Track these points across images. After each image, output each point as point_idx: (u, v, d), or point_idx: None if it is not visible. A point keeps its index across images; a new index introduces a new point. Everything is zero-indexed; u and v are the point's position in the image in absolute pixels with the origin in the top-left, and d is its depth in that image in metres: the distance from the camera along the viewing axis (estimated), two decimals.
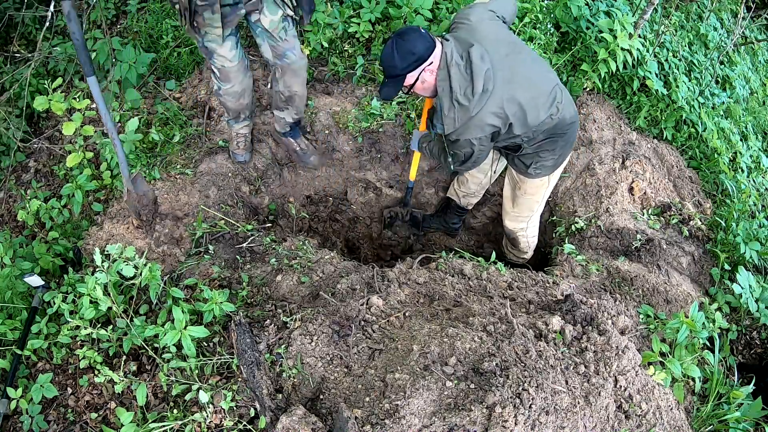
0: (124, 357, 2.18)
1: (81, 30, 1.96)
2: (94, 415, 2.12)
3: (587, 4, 3.70)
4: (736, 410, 2.21)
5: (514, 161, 2.71)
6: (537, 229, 3.19)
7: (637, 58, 3.52)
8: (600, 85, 3.59)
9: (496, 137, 2.42)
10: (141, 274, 2.21)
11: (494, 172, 3.20)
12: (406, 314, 2.22)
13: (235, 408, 1.92)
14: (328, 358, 2.03)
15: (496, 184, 3.61)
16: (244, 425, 1.88)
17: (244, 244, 2.69)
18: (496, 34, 2.32)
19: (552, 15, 3.57)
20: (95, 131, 2.89)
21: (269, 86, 3.32)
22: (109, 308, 2.13)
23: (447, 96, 2.26)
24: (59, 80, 2.80)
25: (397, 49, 2.22)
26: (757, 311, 2.64)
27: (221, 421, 1.90)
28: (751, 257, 2.89)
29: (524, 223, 3.09)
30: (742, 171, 3.77)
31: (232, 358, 2.07)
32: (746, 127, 4.17)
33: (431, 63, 2.26)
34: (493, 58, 2.25)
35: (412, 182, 3.36)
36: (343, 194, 3.55)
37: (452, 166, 2.58)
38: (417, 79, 2.29)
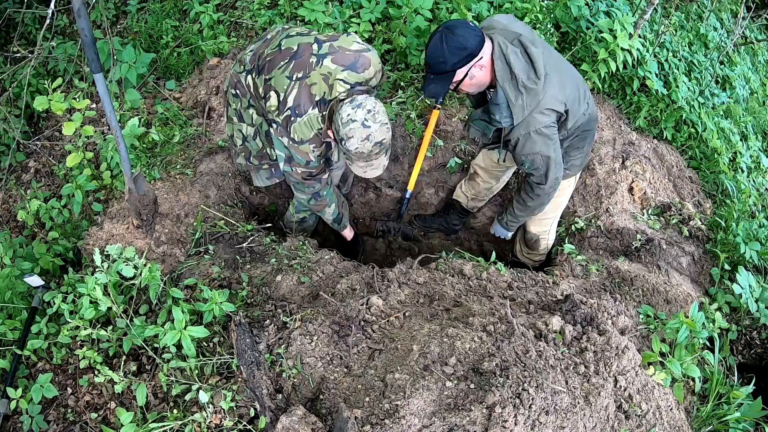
0: (124, 357, 2.18)
1: (90, 26, 1.97)
2: (94, 415, 2.12)
3: (587, 4, 3.70)
4: (736, 410, 2.21)
5: None
6: (555, 229, 3.19)
7: (637, 58, 3.52)
8: (600, 85, 3.59)
9: (560, 127, 2.33)
10: (141, 275, 2.21)
11: (505, 179, 3.22)
12: (406, 314, 2.22)
13: (235, 408, 1.92)
14: (328, 358, 2.03)
15: (506, 189, 3.61)
16: (244, 425, 1.88)
17: (244, 244, 2.69)
18: (528, 32, 2.31)
19: (552, 15, 3.57)
20: (95, 131, 2.89)
21: None
22: (109, 308, 2.12)
23: (510, 84, 2.16)
24: (59, 80, 2.80)
25: (446, 44, 2.08)
26: (757, 311, 2.64)
27: (221, 421, 1.90)
28: (751, 257, 2.89)
29: (548, 226, 3.07)
30: (742, 171, 3.78)
31: (232, 358, 2.07)
32: (746, 127, 4.18)
33: (481, 58, 2.16)
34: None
35: (410, 193, 3.32)
36: (347, 194, 3.55)
37: (539, 189, 2.46)
38: (465, 75, 2.19)
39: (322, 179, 2.53)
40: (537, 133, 2.23)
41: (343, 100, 2.18)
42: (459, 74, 2.18)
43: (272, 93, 2.26)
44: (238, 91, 2.49)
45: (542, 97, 2.17)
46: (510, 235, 2.91)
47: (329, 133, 2.32)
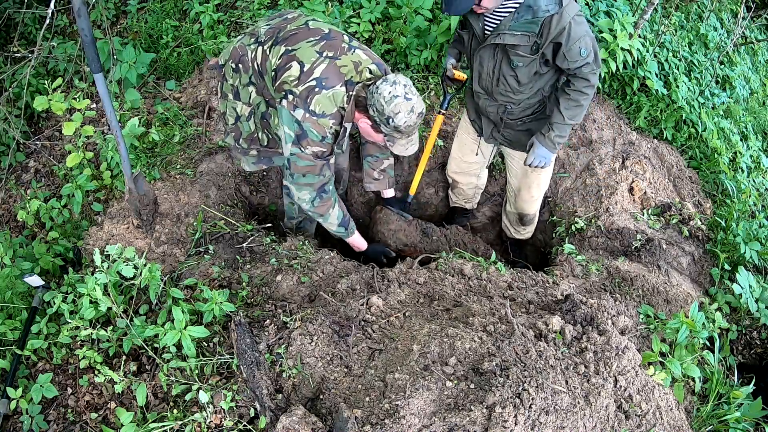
0: (124, 357, 2.18)
1: (90, 26, 1.97)
2: (94, 415, 2.12)
3: (587, 4, 3.70)
4: (736, 410, 2.21)
5: (528, 133, 2.70)
6: None
7: (637, 58, 3.52)
8: (600, 85, 3.59)
9: None
10: (141, 275, 2.21)
11: (485, 174, 3.27)
12: (406, 314, 2.22)
13: (235, 408, 1.92)
14: (328, 358, 2.03)
15: (495, 184, 3.62)
16: (244, 425, 1.88)
17: (244, 244, 2.69)
18: None
19: None
20: (95, 131, 2.89)
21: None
22: (109, 308, 2.12)
23: None
24: (59, 80, 2.80)
25: None
26: (757, 311, 2.64)
27: (221, 421, 1.90)
28: (751, 257, 2.89)
29: (540, 201, 3.17)
30: (742, 171, 3.78)
31: (232, 358, 2.07)
32: (746, 127, 4.18)
33: None
34: None
35: (411, 197, 3.29)
36: (344, 194, 3.55)
37: (594, 77, 2.38)
38: None
39: (330, 164, 2.44)
40: (579, 16, 2.25)
41: (370, 84, 2.22)
42: None
43: (294, 63, 2.23)
44: (240, 65, 2.42)
45: None
46: (553, 158, 2.73)
47: (360, 120, 2.31)
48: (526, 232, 3.39)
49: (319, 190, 2.47)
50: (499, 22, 2.30)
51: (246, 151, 2.67)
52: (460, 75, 2.81)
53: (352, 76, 2.25)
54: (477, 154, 3.04)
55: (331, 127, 2.27)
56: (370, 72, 2.27)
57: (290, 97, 2.23)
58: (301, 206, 2.58)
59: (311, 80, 2.20)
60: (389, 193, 3.16)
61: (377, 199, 3.58)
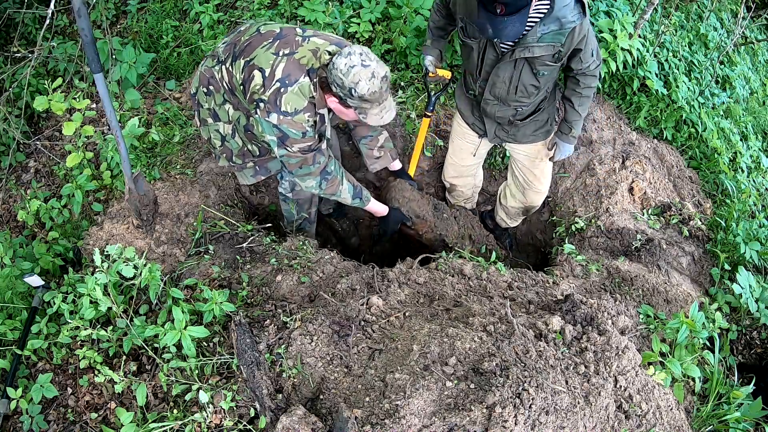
0: (124, 357, 2.18)
1: (90, 26, 1.97)
2: (94, 415, 2.12)
3: (587, 5, 3.70)
4: (736, 410, 2.21)
5: (534, 124, 2.72)
6: None
7: (637, 58, 3.52)
8: (600, 85, 3.59)
9: None
10: (141, 275, 2.21)
11: (480, 172, 3.31)
12: (406, 314, 2.22)
13: (235, 408, 1.92)
14: (328, 358, 2.03)
15: (495, 184, 3.62)
16: (244, 425, 1.88)
17: (244, 244, 2.69)
18: None
19: None
20: (95, 131, 2.89)
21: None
22: (109, 308, 2.13)
23: None
24: (59, 80, 2.80)
25: None
26: (757, 311, 2.64)
27: (221, 421, 1.90)
28: (751, 257, 2.89)
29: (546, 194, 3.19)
30: (742, 171, 3.78)
31: (232, 358, 2.07)
32: (746, 127, 4.18)
33: None
34: None
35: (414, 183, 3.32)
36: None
37: (598, 70, 2.49)
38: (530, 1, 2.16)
39: (322, 149, 2.44)
40: (589, 20, 2.30)
41: (328, 64, 2.19)
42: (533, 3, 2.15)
43: (256, 71, 2.23)
44: (211, 88, 2.45)
45: None
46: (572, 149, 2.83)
47: (328, 100, 2.29)
48: (519, 222, 3.48)
49: (323, 174, 2.49)
50: (524, 34, 2.27)
51: (242, 167, 2.70)
52: (444, 72, 2.78)
53: (312, 64, 2.22)
54: (474, 155, 3.04)
55: (308, 120, 2.27)
56: (329, 53, 2.23)
57: (261, 105, 2.25)
58: (312, 192, 2.61)
59: (275, 83, 2.21)
60: (396, 164, 3.09)
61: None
